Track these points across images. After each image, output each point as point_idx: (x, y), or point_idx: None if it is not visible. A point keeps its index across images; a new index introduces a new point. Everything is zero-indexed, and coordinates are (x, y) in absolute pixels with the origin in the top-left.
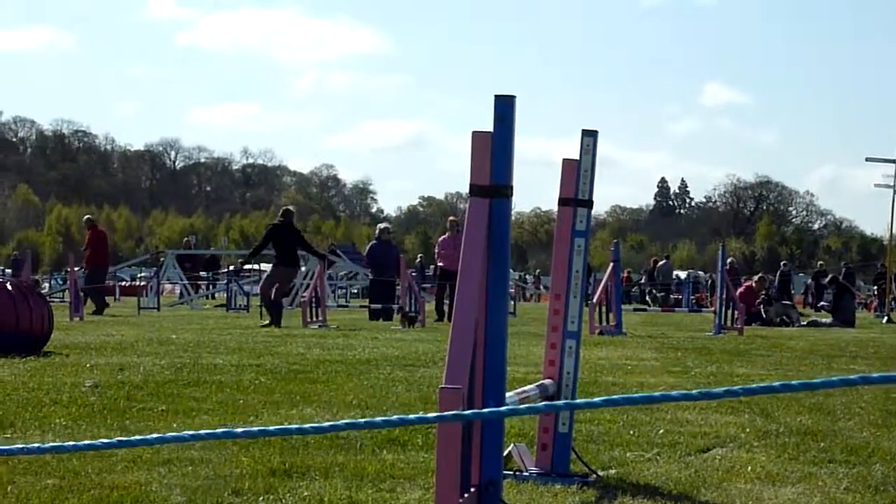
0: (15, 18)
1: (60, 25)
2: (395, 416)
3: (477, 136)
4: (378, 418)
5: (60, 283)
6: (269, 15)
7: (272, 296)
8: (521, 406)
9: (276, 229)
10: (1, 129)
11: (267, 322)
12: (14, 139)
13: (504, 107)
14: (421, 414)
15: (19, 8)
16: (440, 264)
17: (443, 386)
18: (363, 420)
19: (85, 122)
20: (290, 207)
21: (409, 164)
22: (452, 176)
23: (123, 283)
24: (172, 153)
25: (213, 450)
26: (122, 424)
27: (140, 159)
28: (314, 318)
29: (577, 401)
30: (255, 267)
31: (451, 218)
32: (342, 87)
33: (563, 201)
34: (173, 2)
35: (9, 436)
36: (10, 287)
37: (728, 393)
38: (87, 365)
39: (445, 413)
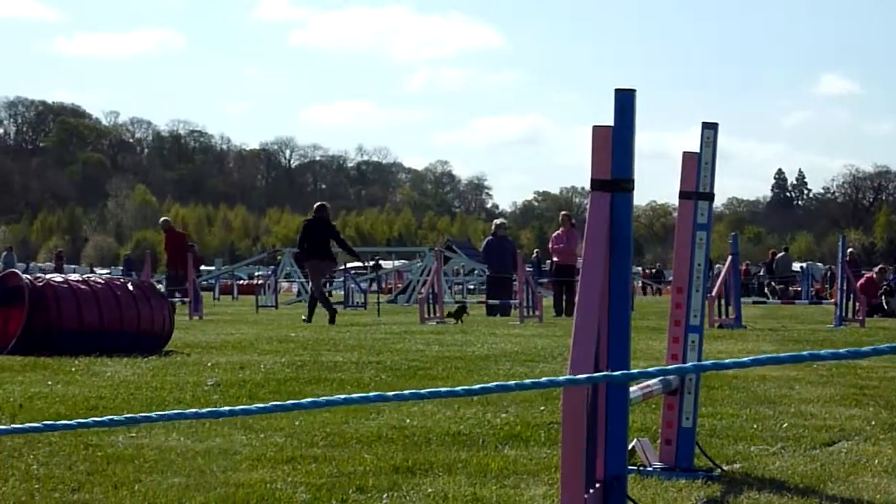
0: (131, 22)
1: (174, 27)
2: (527, 381)
3: (597, 130)
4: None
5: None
6: (381, 13)
7: (320, 292)
8: (651, 369)
9: (310, 224)
10: (118, 131)
11: (327, 318)
12: (131, 140)
13: (625, 100)
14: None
15: (135, 12)
16: (555, 259)
17: (569, 376)
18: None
19: (200, 123)
20: (325, 203)
21: (523, 160)
22: (567, 170)
23: (241, 282)
24: (287, 152)
25: (336, 448)
26: (245, 422)
27: (255, 158)
28: (431, 315)
29: (705, 362)
30: (371, 263)
31: (564, 213)
32: (455, 84)
33: (683, 194)
34: (285, 2)
35: (133, 435)
36: (131, 287)
37: (813, 356)
38: (209, 364)
39: (577, 376)
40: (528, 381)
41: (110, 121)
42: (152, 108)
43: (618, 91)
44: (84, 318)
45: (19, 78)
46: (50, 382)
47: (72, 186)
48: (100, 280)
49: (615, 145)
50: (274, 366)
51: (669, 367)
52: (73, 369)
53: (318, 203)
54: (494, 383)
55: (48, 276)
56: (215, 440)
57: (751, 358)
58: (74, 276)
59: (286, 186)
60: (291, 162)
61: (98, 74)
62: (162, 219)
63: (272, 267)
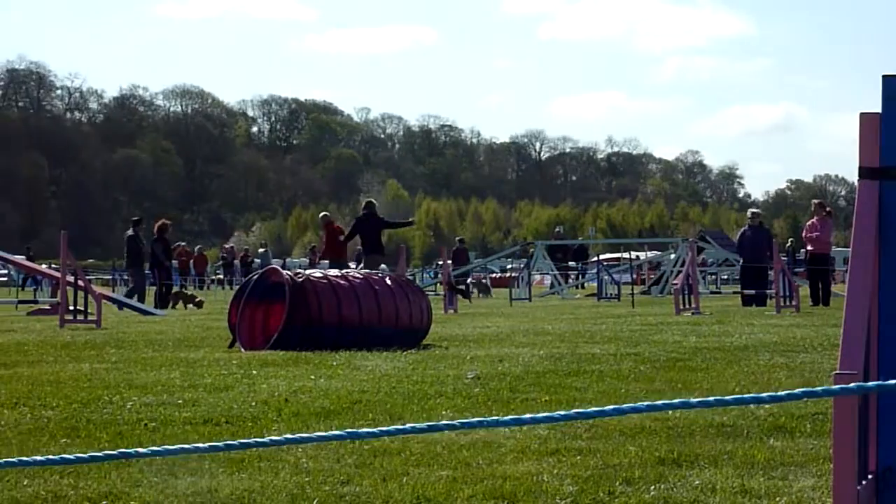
0: (382, 18)
1: (423, 23)
2: (798, 391)
3: (865, 117)
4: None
5: (431, 276)
6: (630, 3)
7: None
8: None
9: (360, 222)
10: (370, 127)
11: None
12: (382, 136)
13: (892, 87)
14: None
15: (386, 8)
16: (809, 248)
17: (838, 372)
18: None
19: (451, 117)
20: (373, 200)
21: (775, 148)
22: (820, 158)
23: (494, 275)
24: (537, 144)
25: (600, 440)
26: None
27: (506, 151)
28: (687, 306)
29: None
30: (625, 255)
31: (817, 201)
32: (705, 73)
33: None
34: None
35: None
36: (389, 282)
37: None
38: (467, 357)
39: (847, 386)
40: (799, 390)
41: (362, 117)
42: (403, 104)
43: (885, 77)
44: (343, 313)
45: (272, 76)
46: (312, 377)
47: (324, 183)
48: (359, 275)
49: (883, 132)
50: (532, 358)
51: None
52: (335, 364)
53: (368, 200)
54: (784, 392)
55: (307, 272)
56: (479, 433)
57: None
58: (333, 272)
59: (536, 179)
60: (541, 154)
61: (349, 71)
62: (322, 213)
63: (524, 260)
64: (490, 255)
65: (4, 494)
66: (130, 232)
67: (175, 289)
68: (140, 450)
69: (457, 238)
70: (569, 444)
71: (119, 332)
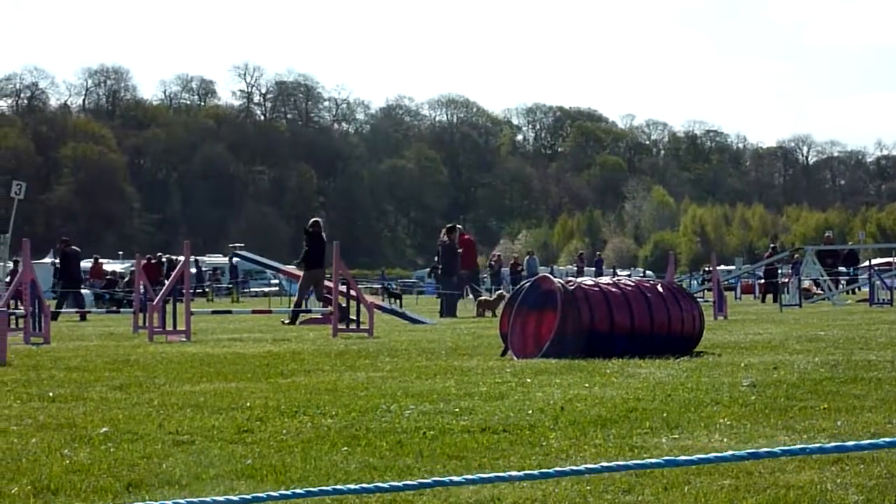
0: (647, 25)
1: (688, 29)
2: None
3: None
4: None
5: (699, 283)
6: None
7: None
8: None
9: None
10: (635, 133)
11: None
12: (647, 142)
13: None
14: None
15: (650, 15)
16: None
17: None
18: None
19: (716, 122)
20: (319, 219)
21: None
22: None
23: (761, 281)
24: (805, 148)
25: (883, 447)
26: (785, 423)
27: (772, 156)
28: None
29: None
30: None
31: None
32: None
33: None
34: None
35: (676, 437)
36: (661, 289)
37: None
38: (741, 364)
39: None
40: None
41: (626, 124)
42: (668, 110)
43: None
44: (615, 321)
45: (537, 84)
46: (587, 385)
47: (590, 189)
48: (630, 283)
49: None
50: (807, 365)
51: None
52: (608, 371)
53: (314, 219)
54: None
55: (578, 280)
56: (758, 441)
57: None
58: (605, 280)
59: (804, 183)
60: (809, 159)
61: (612, 78)
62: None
63: (793, 265)
64: (757, 261)
65: None
66: (444, 238)
67: (482, 297)
68: (454, 478)
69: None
70: (851, 451)
71: (391, 340)
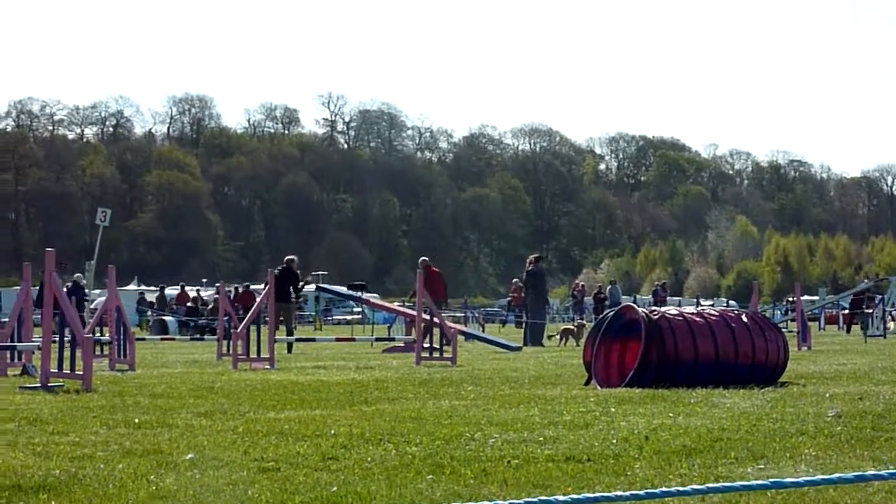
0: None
1: (769, 57)
2: None
3: None
4: None
5: (782, 313)
6: None
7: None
8: None
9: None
10: (718, 162)
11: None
12: (731, 171)
13: None
14: None
15: (730, 44)
16: None
17: None
18: None
19: (800, 152)
20: (293, 257)
21: None
22: None
23: (845, 312)
24: (889, 178)
25: None
26: (872, 454)
27: (856, 186)
28: None
29: None
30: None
31: None
32: None
33: None
34: None
35: (762, 467)
36: (745, 319)
37: None
38: (826, 394)
39: None
40: None
41: (710, 153)
42: (752, 140)
43: None
44: (699, 350)
45: (620, 114)
46: (671, 414)
47: (672, 219)
48: (714, 312)
49: None
50: (894, 396)
51: None
52: (692, 401)
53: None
54: None
55: (662, 310)
56: (844, 472)
57: None
58: (689, 309)
59: (888, 213)
60: (893, 189)
61: (696, 107)
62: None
63: (878, 296)
64: (841, 291)
65: None
66: (531, 268)
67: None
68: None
69: None
70: None
71: (474, 368)
